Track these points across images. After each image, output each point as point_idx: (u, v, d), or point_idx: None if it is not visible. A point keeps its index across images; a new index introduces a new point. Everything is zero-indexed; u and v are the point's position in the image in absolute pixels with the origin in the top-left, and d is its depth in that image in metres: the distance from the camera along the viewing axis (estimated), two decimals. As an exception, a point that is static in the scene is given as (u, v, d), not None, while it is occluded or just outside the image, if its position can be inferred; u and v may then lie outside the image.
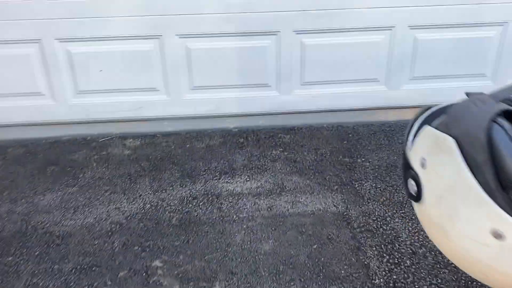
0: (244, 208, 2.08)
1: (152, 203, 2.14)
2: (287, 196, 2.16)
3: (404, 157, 1.00)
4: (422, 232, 1.90)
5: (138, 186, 2.27)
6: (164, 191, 2.22)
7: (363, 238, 1.89)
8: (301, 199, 2.13)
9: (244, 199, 2.14)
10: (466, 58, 2.85)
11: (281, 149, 2.55)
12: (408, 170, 0.97)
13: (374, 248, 1.83)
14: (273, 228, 1.95)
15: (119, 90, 2.80)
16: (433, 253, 1.79)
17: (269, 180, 2.28)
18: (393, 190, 2.17)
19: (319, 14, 2.69)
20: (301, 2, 2.65)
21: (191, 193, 2.20)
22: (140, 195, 2.20)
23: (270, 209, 2.07)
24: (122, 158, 2.51)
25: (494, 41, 2.81)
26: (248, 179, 2.29)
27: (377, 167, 2.36)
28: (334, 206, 2.08)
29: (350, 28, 2.74)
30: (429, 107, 1.02)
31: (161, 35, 2.68)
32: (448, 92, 2.93)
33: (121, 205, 2.13)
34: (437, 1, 2.68)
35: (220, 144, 2.63)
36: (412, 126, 1.01)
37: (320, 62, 2.82)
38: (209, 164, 2.43)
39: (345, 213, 2.03)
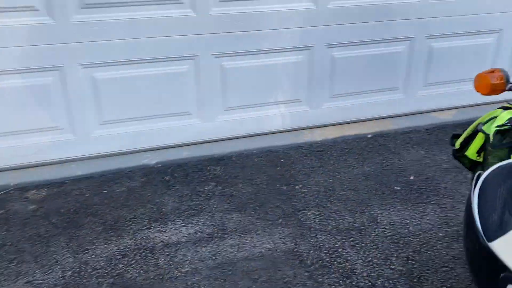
0: (185, 261, 1.84)
1: (73, 269, 1.79)
2: (230, 238, 1.96)
3: (482, 248, 0.73)
4: (375, 261, 1.84)
5: (52, 249, 1.90)
6: (86, 252, 1.88)
7: (320, 276, 1.76)
8: (247, 239, 1.95)
9: (183, 249, 1.90)
10: (380, 73, 2.92)
11: (214, 183, 2.35)
12: (496, 269, 0.71)
13: (333, 286, 1.72)
14: (222, 280, 1.74)
15: (13, 132, 2.36)
16: (391, 282, 1.74)
17: (207, 222, 2.06)
18: (337, 217, 2.10)
19: (237, 36, 2.55)
20: (219, 24, 2.48)
21: (119, 249, 1.90)
22: (57, 261, 1.83)
23: (215, 257, 1.86)
24: (27, 215, 2.10)
25: (403, 55, 2.92)
26: (183, 224, 2.05)
27: (316, 192, 2.27)
28: (283, 243, 1.94)
29: (270, 50, 2.64)
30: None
31: (61, 66, 2.32)
32: (367, 107, 2.99)
33: (34, 277, 1.75)
34: (351, 19, 2.71)
35: (143, 185, 2.34)
36: (477, 196, 0.75)
37: (242, 85, 2.68)
38: (134, 211, 2.14)
39: (295, 250, 1.90)
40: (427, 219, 2.08)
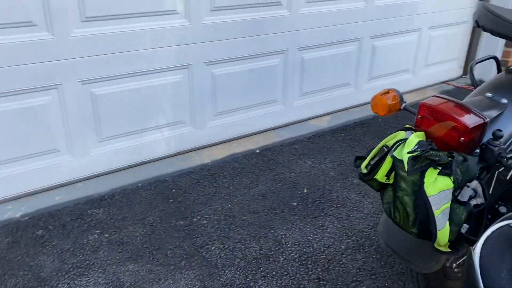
0: (80, 335, 1.54)
1: None
2: (131, 295, 1.71)
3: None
4: (289, 288, 1.78)
5: None
6: None
7: (237, 319, 1.64)
8: (150, 293, 1.73)
9: (75, 321, 1.59)
10: (260, 87, 2.91)
11: (99, 231, 2.04)
12: None
13: (254, 328, 1.61)
14: None
15: None
16: (309, 309, 1.69)
17: (100, 280, 1.77)
18: (243, 247, 1.99)
19: (108, 59, 2.26)
20: (82, 48, 2.17)
21: None
22: None
23: (116, 323, 1.60)
24: None
25: (279, 68, 2.95)
26: (70, 288, 1.73)
27: (216, 222, 2.13)
28: (191, 288, 1.76)
29: (145, 71, 2.41)
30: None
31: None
32: (250, 121, 2.95)
33: None
34: (228, 35, 2.63)
35: (10, 246, 1.93)
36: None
37: (118, 112, 2.40)
38: (4, 283, 1.74)
39: (205, 294, 1.74)
40: (328, 233, 2.10)
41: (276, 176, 2.53)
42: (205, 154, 2.72)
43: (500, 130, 1.20)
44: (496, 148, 1.20)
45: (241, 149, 2.81)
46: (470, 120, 1.19)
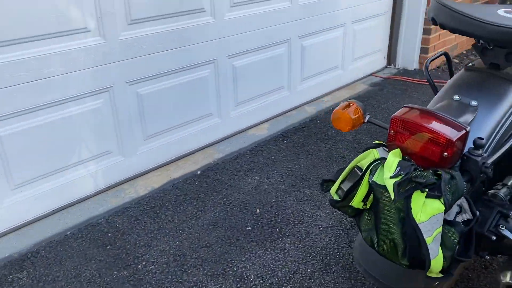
0: None
1: None
2: None
3: None
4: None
5: None
6: None
7: None
8: None
9: None
10: (192, 102, 2.67)
11: (25, 301, 1.69)
12: None
13: None
14: None
15: None
16: None
17: None
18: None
19: (10, 92, 1.90)
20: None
21: None
22: None
23: None
24: None
25: (210, 78, 2.73)
26: None
27: (165, 265, 1.87)
28: None
29: (59, 100, 2.07)
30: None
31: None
32: (186, 140, 2.70)
33: None
34: (149, 50, 2.35)
35: None
36: None
37: (32, 151, 2.04)
38: None
39: None
40: (291, 257, 1.93)
41: (224, 199, 2.32)
42: (140, 185, 2.43)
43: (482, 138, 1.09)
44: (479, 158, 1.09)
45: (180, 172, 2.55)
46: (451, 132, 1.06)
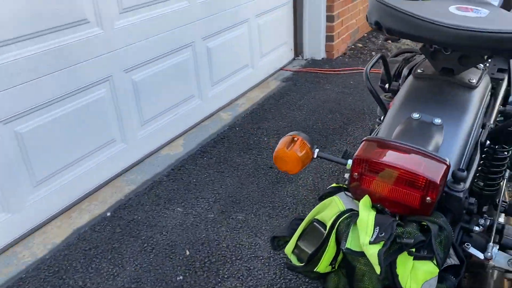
0: None
1: None
2: None
3: None
4: None
5: None
6: None
7: None
8: None
9: None
10: (88, 130, 2.23)
11: None
12: None
13: None
14: None
15: None
16: None
17: None
18: None
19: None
20: None
21: None
22: None
23: None
24: None
25: (107, 99, 2.31)
26: None
27: None
28: None
29: None
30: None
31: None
32: (89, 176, 2.28)
33: None
34: (26, 77, 1.88)
35: None
36: None
37: None
38: None
39: None
40: (235, 304, 1.65)
41: (145, 245, 1.95)
42: (36, 243, 1.97)
43: (463, 170, 0.89)
44: (461, 194, 0.89)
45: (86, 217, 2.12)
46: (431, 169, 0.84)
